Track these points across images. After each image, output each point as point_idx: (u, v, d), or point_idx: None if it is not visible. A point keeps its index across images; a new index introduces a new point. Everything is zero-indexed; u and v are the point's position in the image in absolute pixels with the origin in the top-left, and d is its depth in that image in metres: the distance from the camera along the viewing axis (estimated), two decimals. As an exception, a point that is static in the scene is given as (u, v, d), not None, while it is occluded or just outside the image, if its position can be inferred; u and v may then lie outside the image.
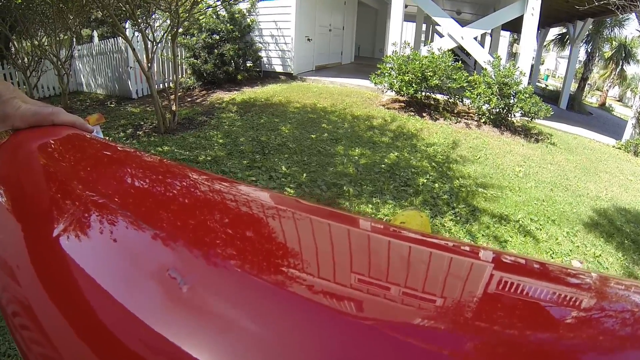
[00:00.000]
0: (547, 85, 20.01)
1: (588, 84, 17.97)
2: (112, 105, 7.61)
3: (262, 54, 8.82)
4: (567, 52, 15.47)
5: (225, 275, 0.29)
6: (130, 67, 7.70)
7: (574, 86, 14.04)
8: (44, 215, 0.39)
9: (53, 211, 0.39)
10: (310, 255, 0.32)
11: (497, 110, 6.21)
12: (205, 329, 0.24)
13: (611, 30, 17.07)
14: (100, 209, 0.38)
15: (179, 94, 6.73)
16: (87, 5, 6.48)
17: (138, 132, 5.43)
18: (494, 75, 6.22)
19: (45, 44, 8.10)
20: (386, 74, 6.50)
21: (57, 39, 7.84)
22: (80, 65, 9.79)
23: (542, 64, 25.12)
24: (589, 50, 15.01)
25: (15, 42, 8.44)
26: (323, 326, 0.23)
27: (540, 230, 3.64)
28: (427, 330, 0.24)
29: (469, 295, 0.28)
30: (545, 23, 12.31)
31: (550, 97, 12.54)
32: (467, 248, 0.38)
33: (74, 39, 9.01)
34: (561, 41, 19.15)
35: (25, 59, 8.52)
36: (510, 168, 5.00)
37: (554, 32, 18.61)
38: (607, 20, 14.98)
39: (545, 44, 17.10)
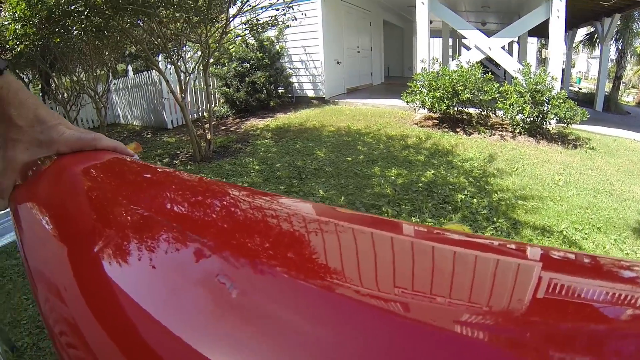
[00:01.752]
0: (580, 89, 19.45)
1: (623, 83, 17.35)
2: (149, 136, 7.85)
3: (293, 79, 8.93)
4: (597, 52, 15.04)
5: (273, 280, 0.29)
6: (165, 99, 7.92)
7: (608, 86, 13.60)
8: (90, 235, 0.39)
9: (99, 231, 0.39)
10: (355, 261, 0.32)
11: (532, 119, 6.06)
12: (257, 333, 0.24)
13: (641, 24, 16.47)
14: (146, 226, 0.39)
15: (213, 122, 6.88)
16: (121, 41, 6.73)
17: (174, 161, 5.58)
18: (525, 84, 6.08)
19: (83, 79, 8.47)
20: (417, 91, 6.48)
21: (94, 74, 8.17)
22: (116, 98, 10.17)
23: (573, 67, 24.47)
24: (620, 47, 14.50)
25: (55, 79, 8.88)
26: (377, 333, 0.23)
27: (586, 239, 3.51)
28: (487, 338, 0.23)
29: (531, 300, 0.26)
30: (572, 24, 12.04)
31: (585, 100, 12.19)
32: (515, 246, 0.37)
33: (110, 74, 9.37)
34: (590, 41, 18.62)
35: (65, 94, 8.96)
36: (550, 177, 4.86)
37: (582, 32, 18.16)
38: (635, 14, 14.46)
39: (574, 45, 16.67)
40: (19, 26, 4.75)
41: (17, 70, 9.02)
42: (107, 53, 7.72)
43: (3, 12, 5.64)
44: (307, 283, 0.28)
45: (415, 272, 0.30)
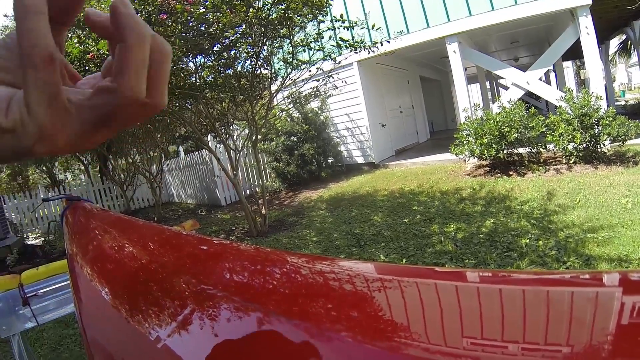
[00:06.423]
0: (627, 101, 18.64)
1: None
2: (203, 214, 8.11)
3: (342, 148, 9.08)
4: (634, 59, 14.51)
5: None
6: (217, 177, 8.18)
7: (654, 91, 12.97)
8: (153, 311, 0.38)
9: (163, 308, 0.38)
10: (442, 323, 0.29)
11: (584, 145, 5.82)
12: None
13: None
14: (214, 304, 0.36)
15: (267, 197, 7.02)
16: (171, 123, 7.15)
17: (231, 237, 5.71)
18: (571, 110, 5.89)
19: (138, 161, 9.06)
20: (464, 141, 6.44)
21: (148, 156, 8.72)
22: (170, 178, 10.72)
23: (614, 81, 23.63)
24: (657, 46, 13.93)
25: (112, 161, 9.59)
26: None
27: (671, 261, 3.25)
28: None
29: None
30: (602, 37, 11.73)
31: (634, 111, 11.63)
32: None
33: (163, 155, 9.97)
34: (625, 49, 18.10)
35: (122, 175, 9.61)
36: (616, 202, 4.57)
37: (614, 43, 17.68)
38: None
39: (610, 58, 16.20)
40: (78, 112, 5.15)
41: (77, 154, 9.83)
42: (159, 136, 8.24)
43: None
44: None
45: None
